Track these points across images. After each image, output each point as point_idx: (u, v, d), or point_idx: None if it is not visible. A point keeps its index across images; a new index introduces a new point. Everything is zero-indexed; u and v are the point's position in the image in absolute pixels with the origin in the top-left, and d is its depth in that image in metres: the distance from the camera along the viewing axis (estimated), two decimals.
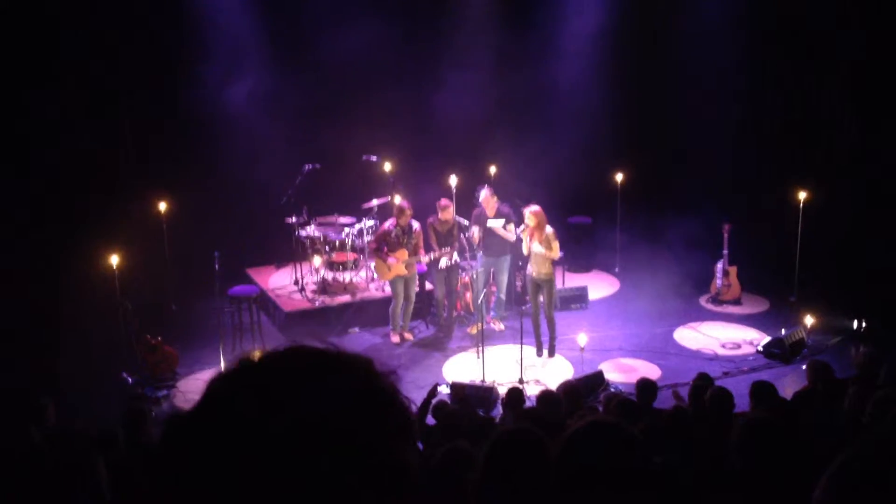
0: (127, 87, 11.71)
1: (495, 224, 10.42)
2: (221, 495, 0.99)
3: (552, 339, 10.08)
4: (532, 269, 9.82)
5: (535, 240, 9.59)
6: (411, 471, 1.07)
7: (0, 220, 10.50)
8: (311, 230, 11.53)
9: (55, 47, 11.12)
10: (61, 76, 11.16)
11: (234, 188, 12.25)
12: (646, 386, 6.83)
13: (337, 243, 11.45)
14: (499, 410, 8.29)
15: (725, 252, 11.46)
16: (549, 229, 9.65)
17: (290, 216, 11.60)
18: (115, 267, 9.55)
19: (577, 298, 11.74)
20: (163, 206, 11.58)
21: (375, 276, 11.29)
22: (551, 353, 10.11)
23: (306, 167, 11.65)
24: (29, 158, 10.92)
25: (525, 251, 9.81)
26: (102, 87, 11.53)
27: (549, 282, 9.84)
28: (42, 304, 10.09)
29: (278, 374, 1.06)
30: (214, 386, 1.08)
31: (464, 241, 10.96)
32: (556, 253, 9.70)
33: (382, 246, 10.45)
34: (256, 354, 1.10)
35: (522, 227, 9.67)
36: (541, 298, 9.97)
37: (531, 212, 9.61)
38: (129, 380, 9.36)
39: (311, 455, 0.99)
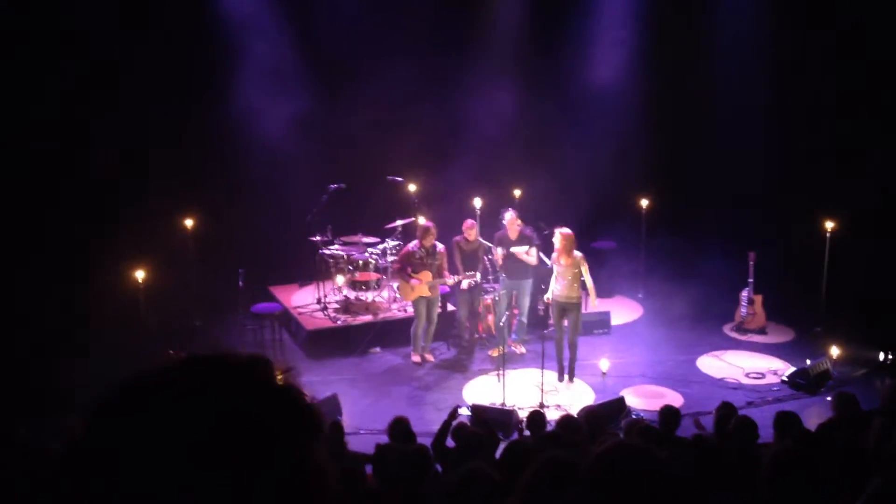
0: (157, 103, 11.82)
1: (518, 249, 10.45)
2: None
3: (572, 361, 10.02)
4: (560, 293, 9.79)
5: (561, 259, 9.62)
6: (327, 472, 1.04)
7: (28, 235, 10.63)
8: (335, 249, 11.58)
9: (85, 62, 11.20)
10: (90, 91, 11.26)
11: (260, 206, 12.34)
12: (669, 413, 6.77)
13: (360, 263, 11.48)
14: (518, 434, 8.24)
15: (751, 280, 11.36)
16: (577, 253, 9.66)
17: (315, 235, 11.65)
18: (140, 282, 9.63)
19: (600, 323, 11.68)
20: (189, 223, 11.69)
21: (398, 296, 11.30)
22: (571, 377, 10.06)
23: (331, 186, 11.73)
24: (56, 173, 11.03)
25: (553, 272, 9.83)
26: (132, 102, 11.64)
27: (577, 306, 9.83)
28: (67, 318, 10.17)
29: (175, 382, 1.01)
30: (108, 398, 1.03)
31: (486, 263, 10.96)
32: (588, 278, 9.72)
33: (406, 266, 10.46)
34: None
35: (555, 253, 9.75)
36: (565, 322, 9.94)
37: (561, 233, 9.65)
38: None
39: (221, 460, 0.95)
